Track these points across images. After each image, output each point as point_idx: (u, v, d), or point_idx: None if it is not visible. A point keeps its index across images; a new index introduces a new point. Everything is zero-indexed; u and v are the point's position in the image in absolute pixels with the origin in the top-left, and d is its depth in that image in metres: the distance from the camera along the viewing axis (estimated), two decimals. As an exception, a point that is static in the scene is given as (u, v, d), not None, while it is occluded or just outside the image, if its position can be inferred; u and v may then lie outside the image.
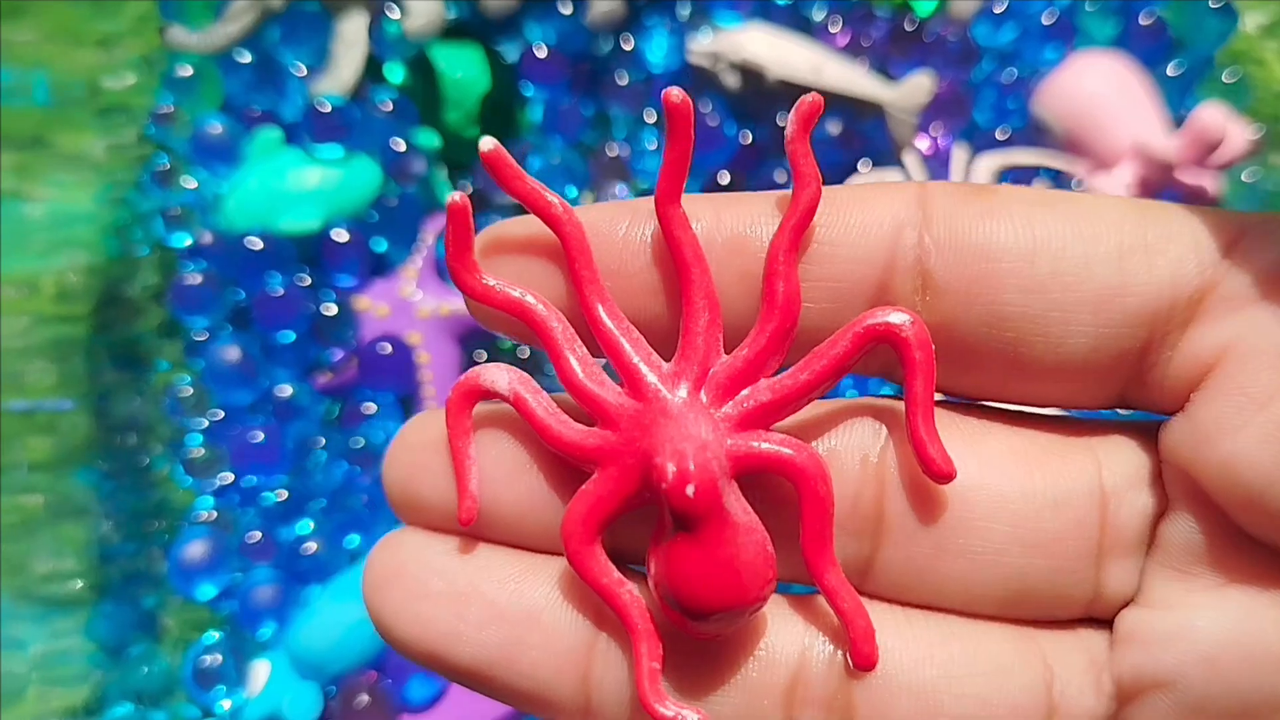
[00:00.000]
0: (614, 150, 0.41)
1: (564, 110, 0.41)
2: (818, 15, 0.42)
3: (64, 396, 0.40)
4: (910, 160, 0.39)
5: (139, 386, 0.41)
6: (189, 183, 0.40)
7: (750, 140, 0.41)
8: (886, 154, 0.41)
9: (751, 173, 0.41)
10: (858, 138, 0.39)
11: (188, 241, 0.39)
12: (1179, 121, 0.40)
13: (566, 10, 0.41)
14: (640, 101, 0.41)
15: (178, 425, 0.38)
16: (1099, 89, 0.39)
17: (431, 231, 0.40)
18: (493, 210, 0.41)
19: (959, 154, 0.39)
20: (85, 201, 0.43)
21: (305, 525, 0.37)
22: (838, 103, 0.40)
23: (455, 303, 0.39)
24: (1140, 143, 0.37)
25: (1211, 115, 0.36)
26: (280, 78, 0.41)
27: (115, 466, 0.39)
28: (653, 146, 0.40)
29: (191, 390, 0.37)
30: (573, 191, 0.40)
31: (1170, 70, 0.41)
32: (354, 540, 0.37)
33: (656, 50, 0.41)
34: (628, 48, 0.42)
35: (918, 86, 0.40)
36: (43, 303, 0.42)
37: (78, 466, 0.40)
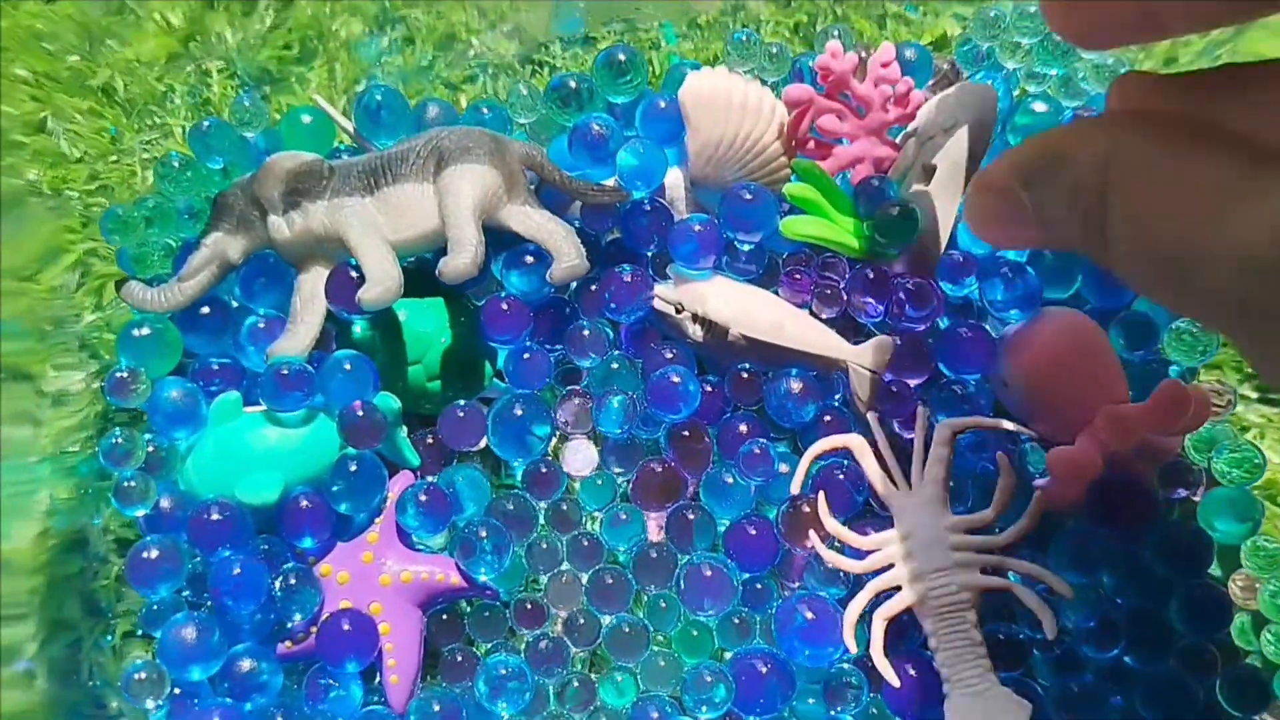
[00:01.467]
0: (580, 400, 0.41)
1: (527, 361, 0.41)
2: (783, 262, 0.42)
3: (21, 653, 0.40)
4: (873, 419, 0.39)
5: (98, 645, 0.40)
6: (145, 450, 0.39)
7: (712, 389, 0.40)
8: (848, 409, 0.40)
9: (714, 422, 0.40)
10: (818, 392, 0.39)
11: (141, 513, 0.39)
12: (1147, 375, 0.40)
13: (530, 260, 0.40)
14: (606, 348, 0.41)
15: (134, 706, 0.38)
16: (1062, 350, 0.39)
17: (394, 493, 0.39)
18: (461, 465, 0.41)
19: (920, 414, 0.39)
20: (47, 444, 0.42)
21: (265, 806, 0.37)
22: (799, 358, 0.39)
23: (417, 568, 0.39)
24: (1108, 412, 0.37)
25: (1174, 389, 0.36)
26: (238, 333, 0.41)
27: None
28: (616, 404, 0.40)
29: (144, 675, 0.37)
30: (539, 446, 0.40)
31: (1132, 318, 0.40)
32: (315, 820, 0.37)
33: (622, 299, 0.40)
34: (593, 289, 0.41)
35: (879, 345, 0.39)
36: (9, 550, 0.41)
37: (36, 731, 0.39)
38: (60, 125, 0.45)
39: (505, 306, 0.40)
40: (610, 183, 0.41)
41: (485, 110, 0.44)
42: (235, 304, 0.42)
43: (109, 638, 0.41)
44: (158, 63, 0.47)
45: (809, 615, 0.37)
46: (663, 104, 0.42)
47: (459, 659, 0.39)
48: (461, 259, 0.38)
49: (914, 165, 0.41)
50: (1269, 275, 0.19)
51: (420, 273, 0.41)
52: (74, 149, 0.46)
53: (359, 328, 0.41)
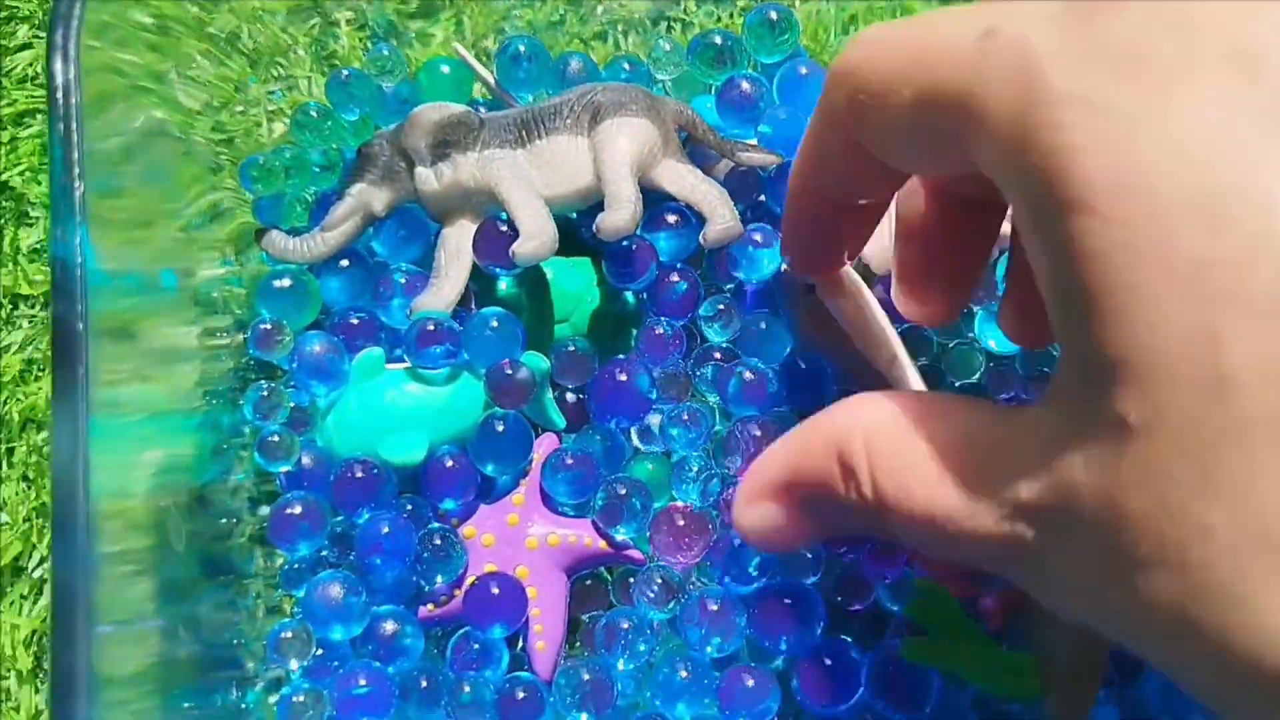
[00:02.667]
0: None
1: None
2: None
3: (155, 613, 0.39)
4: None
5: (234, 605, 0.39)
6: (288, 406, 0.38)
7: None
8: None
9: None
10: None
11: (285, 469, 0.38)
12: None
13: (673, 220, 0.39)
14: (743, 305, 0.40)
15: (276, 665, 0.37)
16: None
17: (539, 454, 0.38)
18: (593, 430, 0.40)
19: None
20: (179, 398, 0.41)
21: (410, 772, 0.36)
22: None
23: (564, 531, 0.38)
24: None
25: None
26: (381, 287, 0.39)
27: (208, 697, 0.38)
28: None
29: (291, 634, 0.36)
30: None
31: None
32: (460, 786, 0.36)
33: (769, 263, 0.39)
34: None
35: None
36: (135, 510, 0.40)
37: (169, 690, 0.38)
38: (182, 75, 0.44)
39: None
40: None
41: (627, 66, 0.43)
42: (373, 259, 0.41)
43: (252, 597, 0.40)
44: (280, 11, 0.46)
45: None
46: (804, 70, 0.41)
47: (603, 625, 0.38)
48: (621, 215, 0.36)
49: None
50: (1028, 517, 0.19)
51: (564, 231, 0.40)
52: (194, 99, 0.45)
53: (504, 285, 0.40)
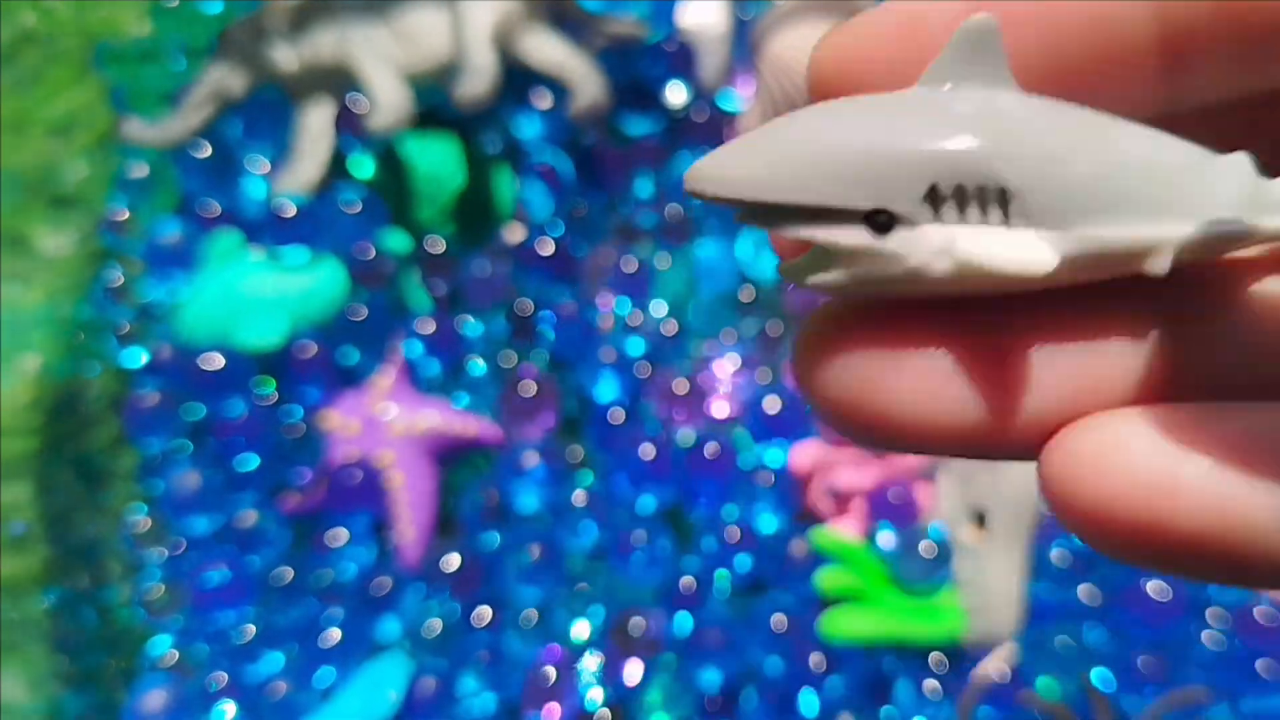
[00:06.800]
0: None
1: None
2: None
3: (17, 515, 0.38)
4: None
5: (96, 506, 0.38)
6: (143, 295, 0.37)
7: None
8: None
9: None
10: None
11: (143, 358, 0.37)
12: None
13: (544, 105, 0.38)
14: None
15: (135, 558, 0.36)
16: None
17: (403, 340, 0.37)
18: (470, 313, 0.39)
19: None
20: (38, 300, 0.40)
21: (274, 662, 0.35)
22: None
23: (431, 419, 0.37)
24: None
25: None
26: (240, 173, 0.38)
27: (72, 594, 0.37)
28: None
29: (149, 521, 0.35)
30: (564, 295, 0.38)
31: None
32: (328, 676, 0.35)
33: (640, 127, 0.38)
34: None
35: None
36: (-5, 413, 0.39)
37: (34, 591, 0.37)
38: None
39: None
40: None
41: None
42: (235, 151, 0.40)
43: (114, 496, 0.39)
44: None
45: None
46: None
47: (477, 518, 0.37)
48: (476, 84, 0.35)
49: (957, 507, 0.33)
50: None
51: (433, 117, 0.39)
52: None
53: (366, 167, 0.39)
